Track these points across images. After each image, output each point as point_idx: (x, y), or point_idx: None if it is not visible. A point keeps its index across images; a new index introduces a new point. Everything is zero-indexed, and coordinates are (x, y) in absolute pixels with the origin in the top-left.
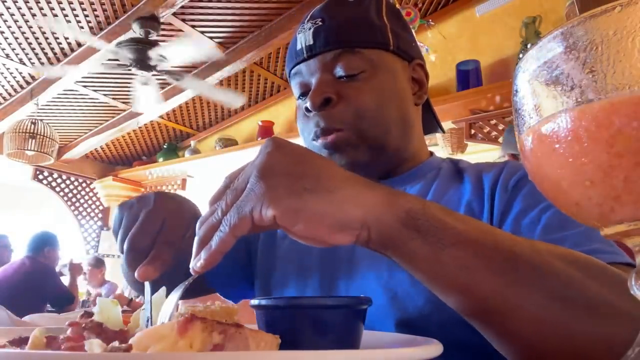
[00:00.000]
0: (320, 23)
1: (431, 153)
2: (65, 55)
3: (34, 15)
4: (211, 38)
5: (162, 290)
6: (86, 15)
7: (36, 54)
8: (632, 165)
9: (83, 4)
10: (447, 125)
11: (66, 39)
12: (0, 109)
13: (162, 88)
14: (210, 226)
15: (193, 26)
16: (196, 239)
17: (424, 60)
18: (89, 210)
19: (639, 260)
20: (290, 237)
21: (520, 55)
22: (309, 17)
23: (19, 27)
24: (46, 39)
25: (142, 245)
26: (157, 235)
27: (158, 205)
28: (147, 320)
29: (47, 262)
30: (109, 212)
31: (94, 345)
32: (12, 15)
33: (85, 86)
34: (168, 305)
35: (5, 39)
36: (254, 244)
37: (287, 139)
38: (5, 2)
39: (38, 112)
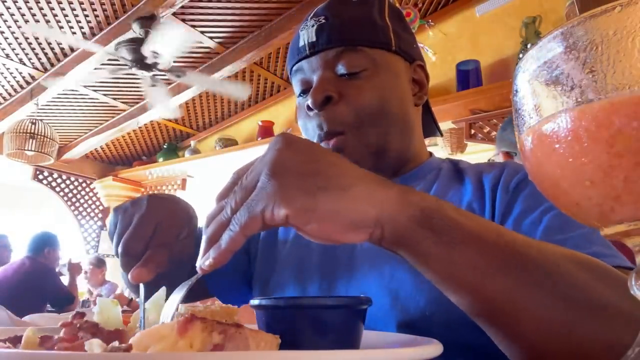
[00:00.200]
0: (323, 21)
1: (430, 154)
2: (65, 55)
3: (33, 15)
4: (211, 38)
5: (162, 290)
6: (86, 16)
7: (36, 54)
8: (632, 165)
9: (83, 4)
10: (447, 125)
11: (74, 35)
12: (0, 109)
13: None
14: (220, 224)
15: (193, 26)
16: (204, 236)
17: (424, 61)
18: (89, 210)
19: (639, 260)
20: (291, 241)
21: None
22: (312, 14)
23: (19, 27)
24: (46, 39)
25: (135, 251)
26: (150, 239)
27: (151, 208)
28: (140, 322)
29: (47, 263)
30: (109, 212)
31: (94, 345)
32: (12, 15)
33: (85, 86)
34: (171, 305)
35: (5, 39)
36: (254, 248)
37: None
38: (5, 2)
39: (38, 112)
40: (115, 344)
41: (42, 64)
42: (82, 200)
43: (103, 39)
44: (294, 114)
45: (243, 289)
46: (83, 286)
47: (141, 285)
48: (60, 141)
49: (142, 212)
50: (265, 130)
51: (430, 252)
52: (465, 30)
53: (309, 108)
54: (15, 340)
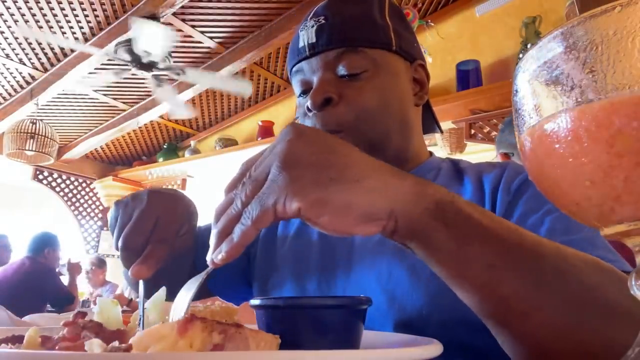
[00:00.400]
0: (323, 21)
1: (430, 153)
2: (65, 55)
3: (33, 15)
4: (211, 38)
5: (162, 290)
6: (86, 16)
7: (36, 54)
8: (632, 165)
9: (83, 4)
10: (447, 125)
11: (66, 39)
12: (0, 109)
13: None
14: (231, 218)
15: (193, 26)
16: (215, 230)
17: (425, 60)
18: (89, 210)
19: (639, 260)
20: (290, 240)
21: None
22: (311, 14)
23: (19, 28)
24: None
25: (135, 245)
26: (150, 234)
27: (151, 203)
28: (140, 319)
29: (47, 263)
30: (109, 212)
31: (94, 345)
32: (12, 15)
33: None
34: (182, 301)
35: (5, 39)
36: (253, 246)
37: None
38: (5, 2)
39: (38, 112)
40: (115, 344)
41: (42, 64)
42: (82, 200)
43: (103, 39)
44: (294, 114)
45: (242, 287)
46: (83, 286)
47: (140, 282)
48: (60, 141)
49: (143, 207)
50: (265, 130)
51: (443, 247)
52: (465, 30)
53: (308, 109)
54: (15, 340)
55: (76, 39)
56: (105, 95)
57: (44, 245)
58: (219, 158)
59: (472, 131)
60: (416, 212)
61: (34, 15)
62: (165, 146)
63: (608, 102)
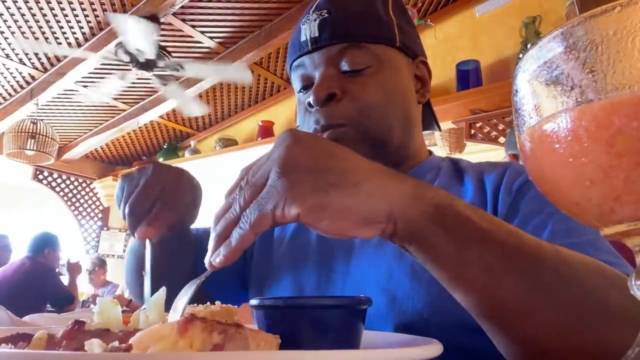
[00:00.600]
0: (326, 14)
1: (430, 152)
2: (65, 55)
3: (33, 15)
4: (211, 38)
5: (162, 290)
6: (86, 16)
7: (36, 54)
8: (632, 166)
9: (83, 4)
10: (447, 125)
11: (66, 39)
12: (0, 109)
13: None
14: (229, 221)
15: (193, 26)
16: (213, 234)
17: (427, 57)
18: (89, 210)
19: (639, 260)
20: (287, 242)
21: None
22: (314, 7)
23: (19, 27)
24: (46, 39)
25: (141, 209)
26: (156, 200)
27: (156, 173)
28: (147, 290)
29: (47, 263)
30: (109, 212)
31: (94, 345)
32: (12, 15)
33: (85, 86)
34: (180, 302)
35: (5, 39)
36: (249, 248)
37: None
38: (5, 2)
39: (38, 112)
40: (115, 344)
41: (42, 64)
42: (82, 200)
43: (103, 39)
44: (294, 114)
45: (238, 290)
46: (83, 286)
47: (148, 249)
48: (60, 141)
49: (148, 176)
50: (265, 130)
51: (441, 250)
52: (465, 30)
53: (310, 105)
54: (17, 339)
55: (76, 39)
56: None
57: (44, 246)
58: (219, 158)
59: (472, 131)
60: (415, 215)
61: (34, 15)
62: (165, 146)
63: (608, 102)
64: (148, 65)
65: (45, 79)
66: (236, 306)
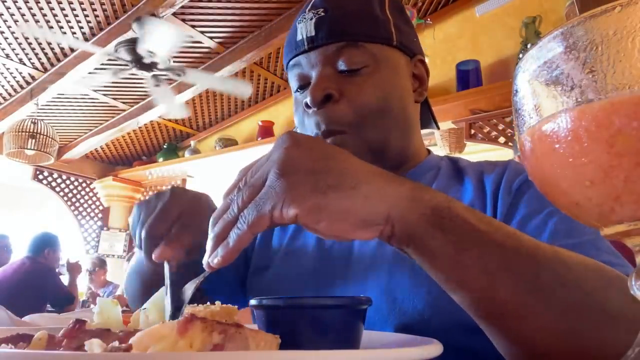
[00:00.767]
0: (322, 13)
1: (429, 151)
2: (65, 55)
3: (33, 15)
4: (211, 38)
5: (162, 290)
6: (86, 16)
7: (36, 54)
8: (632, 166)
9: (83, 4)
10: (447, 125)
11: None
12: (0, 109)
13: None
14: (227, 222)
15: (193, 26)
16: (211, 234)
17: (424, 55)
18: (89, 210)
19: (639, 260)
20: (284, 248)
21: (520, 55)
22: (310, 5)
23: (19, 27)
24: (46, 39)
25: (159, 232)
26: (174, 223)
27: (174, 197)
28: (166, 311)
29: (47, 263)
30: (109, 212)
31: (94, 345)
32: (12, 15)
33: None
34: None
35: (5, 39)
36: (248, 252)
37: None
38: (5, 2)
39: (38, 112)
40: (115, 343)
41: (42, 64)
42: (82, 200)
43: (103, 39)
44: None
45: (238, 290)
46: (83, 286)
47: (166, 272)
48: (60, 141)
49: (166, 200)
50: (265, 130)
51: (439, 252)
52: (465, 30)
53: (307, 105)
54: (17, 339)
55: (76, 39)
56: (105, 95)
57: (44, 246)
58: (219, 158)
59: (472, 131)
60: (413, 217)
61: (34, 15)
62: (165, 146)
63: (608, 102)
64: (150, 66)
65: (45, 79)
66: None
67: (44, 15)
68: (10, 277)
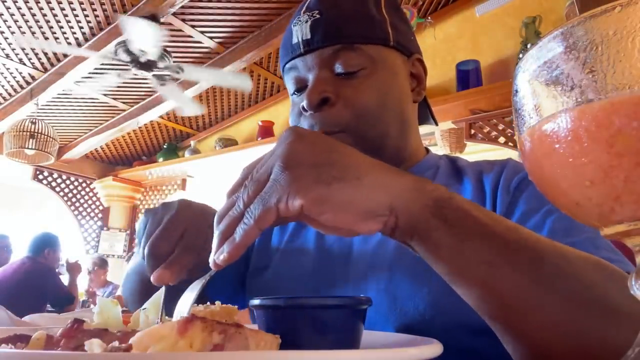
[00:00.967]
0: (317, 16)
1: (427, 150)
2: (65, 55)
3: (33, 15)
4: (211, 38)
5: (161, 291)
6: (86, 16)
7: (36, 54)
8: (632, 166)
9: (83, 3)
10: (447, 125)
11: (66, 39)
12: (0, 109)
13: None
14: (233, 218)
15: (193, 26)
16: (217, 232)
17: (422, 54)
18: (88, 210)
19: (639, 260)
20: (283, 249)
21: (520, 55)
22: (304, 8)
23: (19, 27)
24: (46, 39)
25: (162, 251)
26: (178, 241)
27: (181, 211)
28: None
29: (47, 263)
30: (108, 212)
31: (94, 345)
32: (12, 15)
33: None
34: (185, 303)
35: (5, 39)
36: (249, 252)
37: None
38: (5, 2)
39: (38, 112)
40: (115, 343)
41: (42, 64)
42: (82, 200)
43: (103, 39)
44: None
45: (238, 290)
46: (83, 286)
47: (162, 289)
48: (60, 141)
49: (172, 215)
50: (265, 130)
51: (442, 244)
52: (465, 30)
53: (304, 109)
54: (15, 339)
55: (76, 38)
56: (105, 95)
57: (44, 246)
58: (219, 158)
59: (472, 131)
60: (416, 208)
61: (34, 15)
62: (165, 146)
63: (608, 102)
64: (148, 65)
65: (45, 79)
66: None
67: (44, 15)
68: (10, 277)
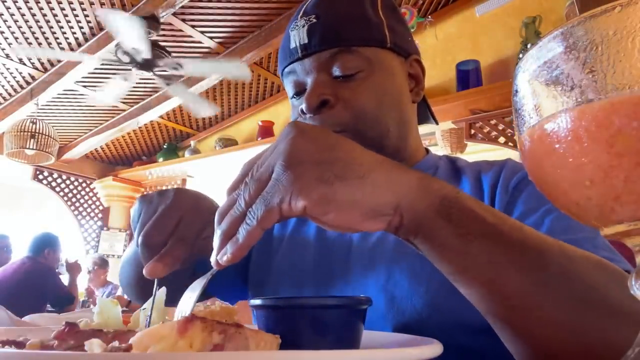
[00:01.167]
0: (314, 20)
1: (427, 150)
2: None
3: (33, 15)
4: (211, 38)
5: (162, 290)
6: (86, 15)
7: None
8: (632, 166)
9: (83, 3)
10: (447, 125)
11: (66, 39)
12: (0, 109)
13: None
14: (235, 218)
15: (193, 26)
16: (218, 231)
17: (420, 54)
18: (88, 210)
19: (639, 260)
20: (285, 245)
21: (520, 55)
22: (301, 12)
23: (19, 27)
24: (46, 39)
25: (156, 241)
26: (172, 232)
27: (176, 201)
28: (147, 321)
29: (47, 263)
30: (108, 212)
31: (94, 345)
32: (12, 15)
33: (85, 86)
34: (187, 302)
35: (5, 39)
36: (252, 248)
37: None
38: (5, 2)
39: (38, 112)
40: (115, 344)
41: (42, 64)
42: (82, 200)
43: (103, 39)
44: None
45: (240, 286)
46: (83, 286)
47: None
48: (60, 141)
49: (167, 204)
50: (265, 130)
51: (447, 242)
52: (465, 30)
53: (303, 112)
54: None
55: (76, 39)
56: None
57: (44, 246)
58: (219, 158)
59: (472, 131)
60: (421, 207)
61: (33, 15)
62: (165, 146)
63: (608, 102)
64: (147, 64)
65: (45, 79)
66: (231, 305)
67: (44, 15)
68: (10, 277)
